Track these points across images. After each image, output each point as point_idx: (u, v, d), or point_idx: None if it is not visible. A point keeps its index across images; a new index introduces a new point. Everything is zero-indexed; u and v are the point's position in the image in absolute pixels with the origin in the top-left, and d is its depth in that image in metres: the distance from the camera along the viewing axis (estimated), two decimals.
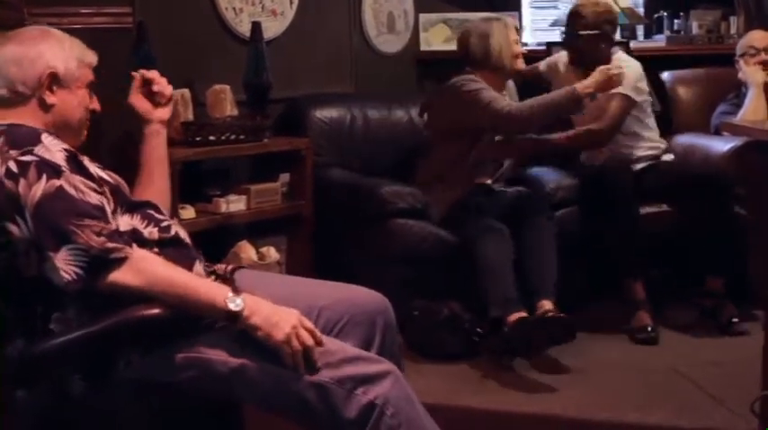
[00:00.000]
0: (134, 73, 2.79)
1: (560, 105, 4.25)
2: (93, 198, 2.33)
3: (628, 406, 3.58)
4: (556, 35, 5.46)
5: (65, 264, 2.22)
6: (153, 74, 2.78)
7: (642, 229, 4.38)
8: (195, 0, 4.51)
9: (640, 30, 5.94)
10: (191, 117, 4.09)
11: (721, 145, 4.66)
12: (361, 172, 4.58)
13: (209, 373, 2.29)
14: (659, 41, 5.80)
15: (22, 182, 2.25)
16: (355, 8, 5.27)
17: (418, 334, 4.04)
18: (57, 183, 2.27)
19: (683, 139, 5.04)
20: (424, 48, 5.64)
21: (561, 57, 4.79)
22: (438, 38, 5.64)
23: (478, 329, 4.06)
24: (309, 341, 2.27)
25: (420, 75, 5.65)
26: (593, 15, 4.45)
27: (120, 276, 2.24)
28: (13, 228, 2.26)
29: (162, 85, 2.77)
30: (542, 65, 4.91)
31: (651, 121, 4.71)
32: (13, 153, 2.29)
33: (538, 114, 4.23)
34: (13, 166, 2.27)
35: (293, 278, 2.75)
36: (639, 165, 4.61)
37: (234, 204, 4.11)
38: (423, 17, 5.62)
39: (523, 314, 3.91)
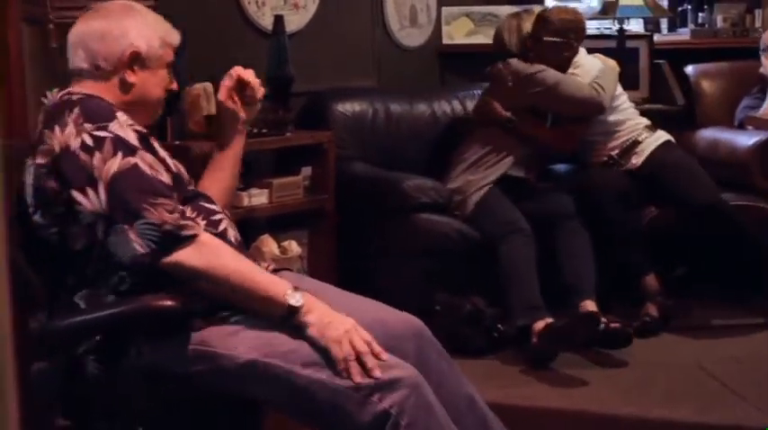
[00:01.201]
0: (231, 72, 2.71)
1: None
2: (165, 177, 2.36)
3: (652, 401, 3.57)
4: None
5: (137, 237, 2.23)
6: (248, 74, 2.70)
7: (654, 229, 4.41)
8: None
9: (664, 23, 5.92)
10: (213, 111, 4.09)
11: (745, 139, 4.64)
12: (384, 166, 4.57)
13: (218, 368, 2.27)
14: (683, 35, 5.77)
15: (97, 155, 2.27)
16: (377, 1, 5.25)
17: (440, 329, 4.02)
18: (132, 160, 2.29)
19: (707, 134, 5.01)
20: (446, 41, 5.62)
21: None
22: (460, 31, 5.62)
23: (499, 325, 4.06)
24: (363, 348, 2.23)
25: (442, 68, 5.63)
26: (559, 23, 4.42)
27: (185, 256, 2.24)
28: (81, 198, 2.27)
29: (256, 86, 2.71)
30: None
31: (617, 114, 4.56)
32: (87, 126, 2.30)
33: None
34: (88, 140, 2.28)
35: (330, 287, 2.69)
36: (640, 160, 4.50)
37: (256, 198, 4.11)
38: (445, 10, 5.60)
39: (549, 320, 3.92)
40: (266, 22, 4.58)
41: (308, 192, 4.37)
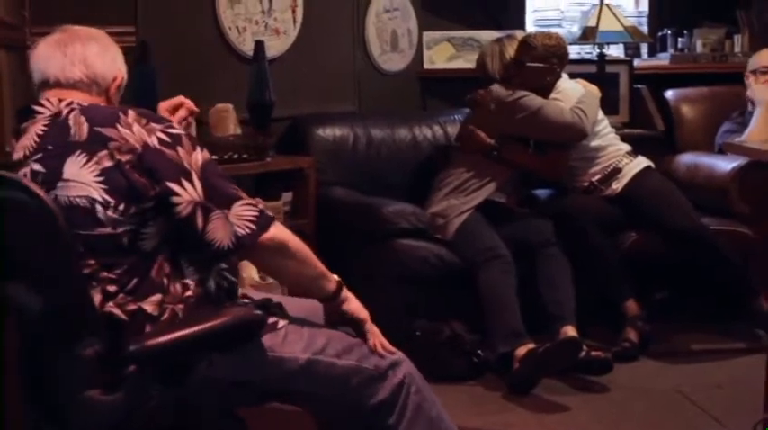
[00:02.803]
0: (186, 105, 2.75)
1: None
2: None
3: (632, 427, 3.58)
4: None
5: (238, 220, 2.32)
6: (192, 105, 2.76)
7: (634, 254, 4.42)
8: (199, 19, 4.52)
9: (644, 48, 5.94)
10: (193, 136, 4.08)
11: (725, 164, 4.64)
12: (364, 191, 4.57)
13: (286, 371, 2.39)
14: (663, 60, 5.79)
15: (180, 149, 2.33)
16: (358, 27, 5.27)
17: (420, 354, 4.01)
18: (207, 154, 2.38)
19: (687, 158, 5.02)
20: (427, 66, 5.63)
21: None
22: (442, 56, 5.63)
23: (479, 351, 4.06)
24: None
25: (423, 93, 5.64)
26: (542, 48, 4.42)
27: (278, 232, 2.37)
28: (178, 189, 2.30)
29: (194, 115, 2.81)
30: None
31: (598, 140, 4.57)
32: (155, 126, 2.34)
33: None
34: (164, 136, 2.32)
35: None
36: (620, 186, 4.52)
37: None
38: (426, 35, 5.61)
39: (531, 346, 3.93)
40: (247, 47, 4.58)
41: (289, 217, 4.37)
